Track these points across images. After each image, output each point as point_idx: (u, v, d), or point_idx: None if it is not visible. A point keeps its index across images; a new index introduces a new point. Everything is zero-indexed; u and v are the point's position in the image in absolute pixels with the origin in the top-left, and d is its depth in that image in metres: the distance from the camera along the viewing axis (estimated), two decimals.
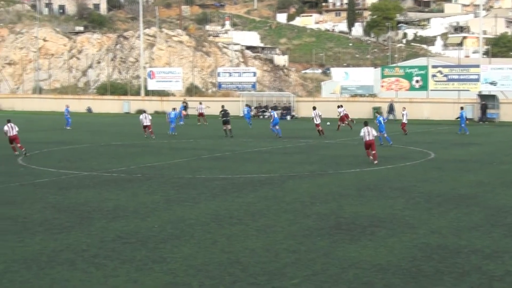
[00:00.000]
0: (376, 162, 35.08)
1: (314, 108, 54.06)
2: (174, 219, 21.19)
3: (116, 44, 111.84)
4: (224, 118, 53.53)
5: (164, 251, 17.18)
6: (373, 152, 35.59)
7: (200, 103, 71.76)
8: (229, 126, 53.13)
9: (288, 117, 77.22)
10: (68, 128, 61.57)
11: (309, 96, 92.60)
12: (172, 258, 16.56)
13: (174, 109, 59.37)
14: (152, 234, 19.06)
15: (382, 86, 78.70)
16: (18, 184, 28.42)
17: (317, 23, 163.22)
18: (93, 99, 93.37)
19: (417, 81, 76.62)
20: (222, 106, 58.27)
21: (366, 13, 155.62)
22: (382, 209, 22.59)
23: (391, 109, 73.64)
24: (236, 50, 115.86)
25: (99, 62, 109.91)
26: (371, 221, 20.71)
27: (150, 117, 52.59)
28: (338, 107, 63.34)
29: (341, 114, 61.21)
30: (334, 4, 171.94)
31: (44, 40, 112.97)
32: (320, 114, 53.36)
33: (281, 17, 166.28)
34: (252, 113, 78.38)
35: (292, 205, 23.40)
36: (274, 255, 16.88)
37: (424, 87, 76.52)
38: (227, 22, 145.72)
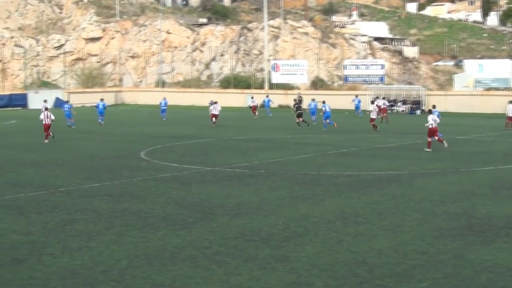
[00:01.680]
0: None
1: (372, 102, 56.39)
2: (298, 216, 21.23)
3: (239, 36, 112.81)
4: (298, 111, 56.56)
5: (288, 250, 17.23)
6: (436, 138, 39.88)
7: (252, 97, 73.48)
8: (301, 119, 56.11)
9: (418, 112, 76.12)
10: (164, 119, 65.56)
11: (441, 90, 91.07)
12: (295, 257, 16.59)
13: (313, 100, 61.35)
14: (275, 232, 19.15)
15: None
16: (141, 179, 29.07)
17: (449, 12, 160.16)
18: (216, 93, 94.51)
19: None
20: (294, 100, 61.99)
21: (502, 2, 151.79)
22: None
23: None
24: (363, 42, 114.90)
25: (222, 55, 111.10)
26: (507, 222, 20.21)
27: (219, 108, 58.94)
28: (383, 98, 67.11)
29: (383, 106, 63.52)
30: None
31: (167, 32, 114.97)
32: (376, 109, 55.13)
33: (411, 7, 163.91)
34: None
35: (421, 204, 23.08)
36: (402, 256, 16.69)
37: None
38: (354, 13, 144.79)
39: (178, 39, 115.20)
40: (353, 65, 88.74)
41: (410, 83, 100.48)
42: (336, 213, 21.75)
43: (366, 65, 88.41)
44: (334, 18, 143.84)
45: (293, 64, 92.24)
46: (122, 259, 16.50)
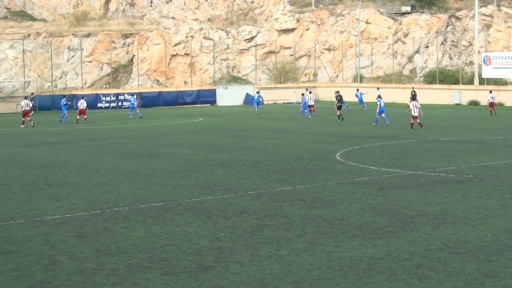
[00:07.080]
0: None
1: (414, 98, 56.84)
2: (510, 227, 20.74)
3: (446, 25, 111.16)
4: (338, 104, 65.81)
5: (498, 265, 16.88)
6: None
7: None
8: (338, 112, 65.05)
9: None
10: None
11: None
12: (507, 273, 16.22)
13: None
14: (484, 245, 18.80)
15: None
16: (336, 183, 29.23)
17: None
18: (419, 88, 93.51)
19: None
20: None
21: None
22: None
23: None
24: None
25: (427, 47, 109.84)
26: None
27: (314, 98, 72.76)
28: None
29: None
30: None
31: (367, 22, 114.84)
32: (419, 106, 54.35)
33: None
34: None
35: None
36: None
37: None
38: None
39: (379, 29, 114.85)
40: None
41: None
42: None
43: None
44: None
45: (507, 57, 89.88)
46: (314, 270, 16.66)
